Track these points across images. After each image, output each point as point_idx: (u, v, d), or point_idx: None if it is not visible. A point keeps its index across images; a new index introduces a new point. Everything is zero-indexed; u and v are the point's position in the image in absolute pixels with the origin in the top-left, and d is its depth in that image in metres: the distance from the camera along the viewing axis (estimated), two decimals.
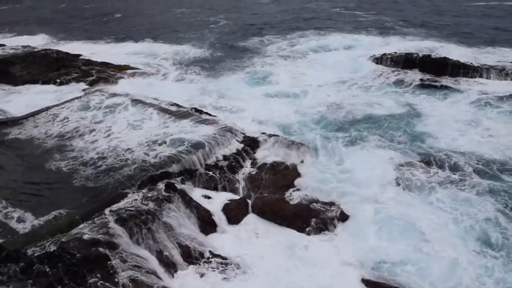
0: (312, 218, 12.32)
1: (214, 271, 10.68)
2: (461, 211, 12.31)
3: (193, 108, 18.43)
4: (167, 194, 12.18)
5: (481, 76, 23.68)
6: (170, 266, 10.56)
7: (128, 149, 14.54)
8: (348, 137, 17.13)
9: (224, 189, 14.05)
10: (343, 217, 12.41)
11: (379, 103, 20.72)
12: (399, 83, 23.58)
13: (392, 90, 22.59)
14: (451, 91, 21.92)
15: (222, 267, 10.81)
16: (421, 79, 23.86)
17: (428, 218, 12.03)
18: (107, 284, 8.97)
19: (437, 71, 24.59)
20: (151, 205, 11.60)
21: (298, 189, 13.75)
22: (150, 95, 20.14)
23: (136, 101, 18.83)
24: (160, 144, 14.84)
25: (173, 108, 18.20)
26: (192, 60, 29.26)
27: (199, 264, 10.89)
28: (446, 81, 23.33)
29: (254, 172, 14.74)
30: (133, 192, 12.17)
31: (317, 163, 15.14)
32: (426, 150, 15.71)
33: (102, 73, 24.52)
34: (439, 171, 14.26)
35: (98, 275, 9.14)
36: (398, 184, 13.63)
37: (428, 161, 14.85)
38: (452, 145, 16.24)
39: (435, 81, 23.44)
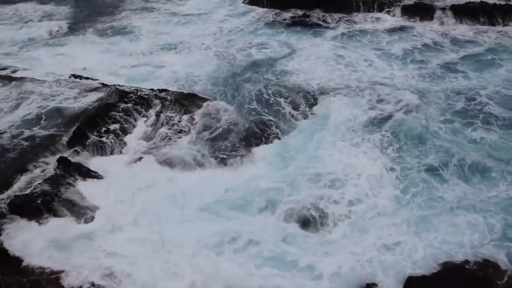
0: None
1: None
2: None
3: (72, 75, 17.33)
4: (61, 171, 11.80)
5: (351, 7, 24.76)
6: None
7: (7, 130, 13.43)
8: (233, 85, 17.93)
9: (120, 152, 14.00)
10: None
11: (257, 48, 21.21)
12: (273, 24, 23.97)
13: (267, 32, 23.01)
14: (321, 28, 23.25)
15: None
16: (293, 18, 24.59)
17: None
18: (16, 277, 8.74)
19: (311, 6, 25.17)
20: (46, 184, 11.20)
21: None
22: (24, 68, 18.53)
23: (5, 78, 16.99)
24: (43, 119, 14.04)
25: (53, 79, 16.88)
26: (59, 23, 25.60)
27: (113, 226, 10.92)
28: (317, 18, 24.43)
29: (148, 130, 14.87)
30: (23, 175, 11.48)
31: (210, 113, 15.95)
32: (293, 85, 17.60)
33: None
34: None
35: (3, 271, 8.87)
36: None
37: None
38: (314, 77, 18.15)
39: (308, 18, 24.48)
